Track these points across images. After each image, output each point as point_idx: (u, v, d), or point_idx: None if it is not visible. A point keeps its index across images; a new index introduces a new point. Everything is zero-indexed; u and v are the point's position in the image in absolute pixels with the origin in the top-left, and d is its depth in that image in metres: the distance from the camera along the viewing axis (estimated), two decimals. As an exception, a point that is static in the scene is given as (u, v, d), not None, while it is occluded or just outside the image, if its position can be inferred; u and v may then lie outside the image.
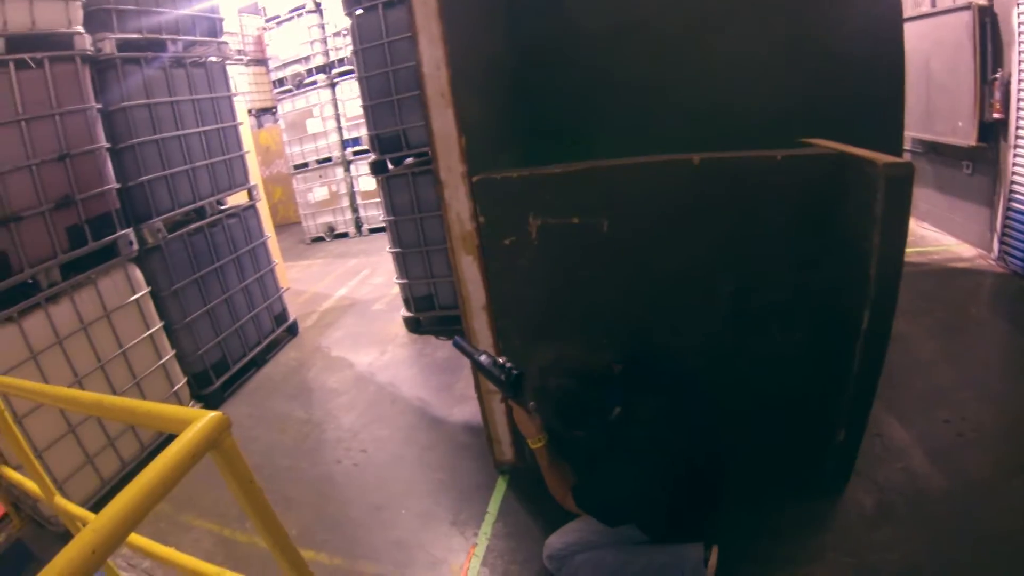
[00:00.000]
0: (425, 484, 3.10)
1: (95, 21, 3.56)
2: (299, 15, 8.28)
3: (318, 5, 8.24)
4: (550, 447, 2.00)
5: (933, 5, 5.51)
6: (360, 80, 4.51)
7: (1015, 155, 4.68)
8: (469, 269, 2.35)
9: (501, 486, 2.92)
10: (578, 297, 2.32)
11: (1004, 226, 4.86)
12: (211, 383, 4.20)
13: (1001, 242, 4.92)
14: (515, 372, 1.98)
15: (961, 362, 3.23)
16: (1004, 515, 2.46)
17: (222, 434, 1.06)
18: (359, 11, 4.43)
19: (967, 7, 4.88)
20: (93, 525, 0.87)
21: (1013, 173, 4.71)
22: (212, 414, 1.06)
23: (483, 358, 2.05)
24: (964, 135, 4.98)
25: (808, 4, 3.15)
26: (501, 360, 2.03)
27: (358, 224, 8.71)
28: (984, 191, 5.12)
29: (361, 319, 5.43)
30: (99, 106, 3.50)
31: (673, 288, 2.28)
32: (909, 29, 5.29)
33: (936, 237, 5.55)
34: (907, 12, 5.65)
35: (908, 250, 5.18)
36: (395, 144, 4.47)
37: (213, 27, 4.56)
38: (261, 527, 1.18)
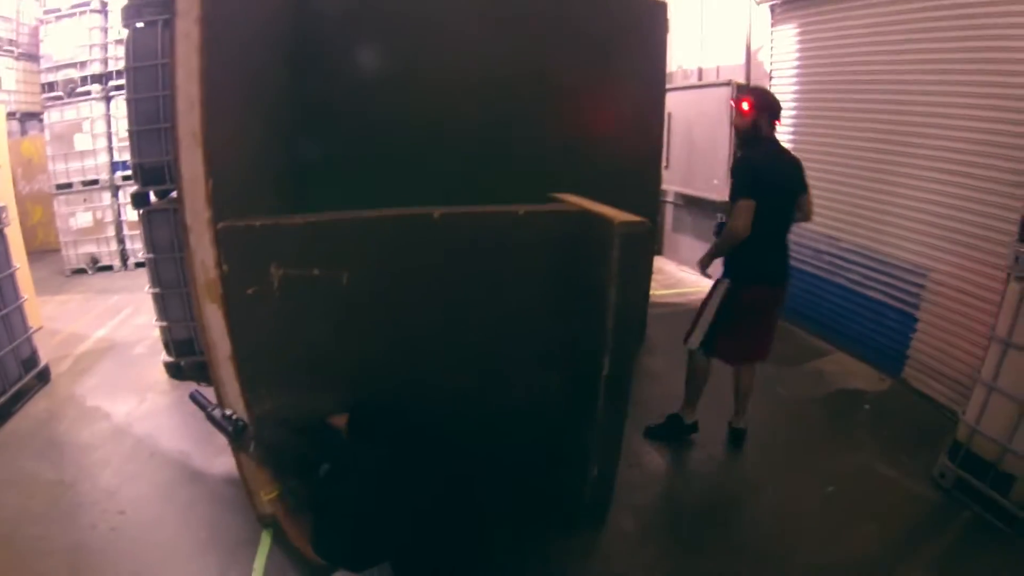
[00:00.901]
0: (188, 545, 2.86)
1: None
2: (82, 12, 7.31)
3: (104, 5, 7.36)
4: (285, 497, 1.96)
5: (700, 79, 6.41)
6: (128, 102, 4.10)
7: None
8: (214, 318, 2.24)
9: (266, 540, 2.79)
10: (320, 348, 2.32)
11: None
12: (-55, 442, 3.47)
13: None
14: (240, 424, 1.94)
15: (711, 390, 3.66)
16: (757, 523, 2.87)
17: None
18: (139, 24, 4.03)
19: (727, 84, 5.77)
20: None
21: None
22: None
23: (215, 411, 1.99)
24: (718, 191, 5.83)
25: (580, 61, 3.46)
26: (228, 412, 1.98)
27: (124, 257, 7.83)
28: (733, 238, 6.01)
29: (120, 364, 4.91)
30: None
31: (421, 339, 2.36)
32: (678, 97, 6.15)
33: (694, 280, 6.34)
34: (677, 82, 6.53)
35: (668, 291, 5.97)
36: (160, 176, 4.11)
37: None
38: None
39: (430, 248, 2.26)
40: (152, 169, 4.08)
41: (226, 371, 2.29)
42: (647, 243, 2.29)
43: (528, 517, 2.69)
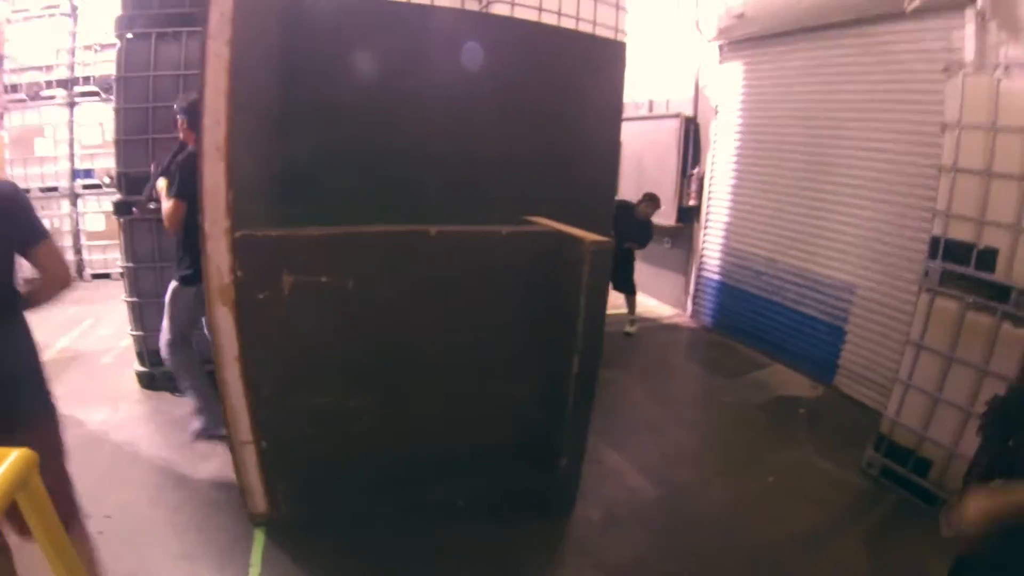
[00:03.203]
0: (180, 546, 2.86)
1: None
2: (51, 15, 7.19)
3: (75, 9, 7.24)
4: None
5: (650, 110, 6.87)
6: (117, 111, 4.13)
7: (704, 234, 6.04)
8: (224, 320, 2.39)
9: (260, 538, 2.85)
10: (326, 350, 2.52)
11: (695, 290, 6.23)
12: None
13: (693, 302, 6.29)
14: None
15: (663, 399, 4.01)
16: (707, 508, 3.18)
17: (31, 473, 0.97)
18: (129, 35, 4.07)
19: (676, 116, 6.22)
20: None
21: (703, 248, 6.07)
22: (17, 451, 0.98)
23: None
24: (667, 217, 6.27)
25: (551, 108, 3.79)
26: None
27: (80, 268, 7.46)
28: (680, 262, 6.49)
29: (88, 374, 4.78)
30: None
31: (413, 343, 2.62)
32: (628, 127, 6.57)
33: (643, 300, 6.72)
34: (628, 113, 6.96)
35: (620, 311, 6.30)
36: (143, 186, 3.99)
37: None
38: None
39: (425, 260, 2.55)
40: (137, 179, 4.03)
41: (231, 372, 2.43)
42: (610, 259, 2.62)
43: (506, 507, 2.94)
